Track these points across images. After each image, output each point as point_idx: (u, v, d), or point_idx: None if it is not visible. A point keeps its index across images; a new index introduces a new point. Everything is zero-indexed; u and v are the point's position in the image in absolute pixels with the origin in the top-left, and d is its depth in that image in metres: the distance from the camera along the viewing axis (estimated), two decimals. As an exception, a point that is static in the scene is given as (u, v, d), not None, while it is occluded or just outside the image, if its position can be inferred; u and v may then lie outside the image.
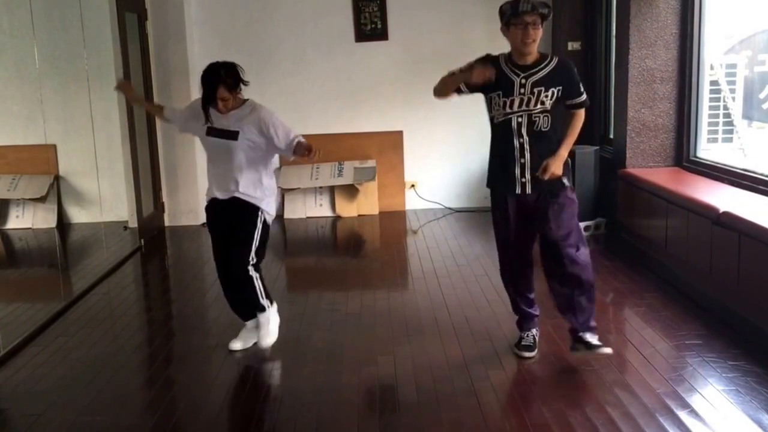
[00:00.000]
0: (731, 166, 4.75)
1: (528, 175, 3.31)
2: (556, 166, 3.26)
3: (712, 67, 5.29)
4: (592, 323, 3.46)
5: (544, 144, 3.29)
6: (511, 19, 3.20)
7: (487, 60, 3.29)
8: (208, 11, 6.90)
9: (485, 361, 3.54)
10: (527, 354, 3.54)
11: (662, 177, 5.07)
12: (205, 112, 3.55)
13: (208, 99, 3.50)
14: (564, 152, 3.29)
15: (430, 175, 7.21)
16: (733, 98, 5.29)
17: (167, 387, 3.49)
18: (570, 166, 3.42)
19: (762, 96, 5.11)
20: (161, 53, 6.56)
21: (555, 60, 3.31)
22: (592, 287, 3.49)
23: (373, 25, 6.95)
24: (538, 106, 3.25)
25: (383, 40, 6.96)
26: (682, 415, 2.93)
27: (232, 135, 3.57)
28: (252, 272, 3.66)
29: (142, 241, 6.08)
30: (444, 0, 6.90)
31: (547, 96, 3.25)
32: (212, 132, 3.61)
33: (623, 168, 5.48)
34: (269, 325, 3.73)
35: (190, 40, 6.63)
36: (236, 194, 3.62)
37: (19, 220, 6.29)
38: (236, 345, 3.79)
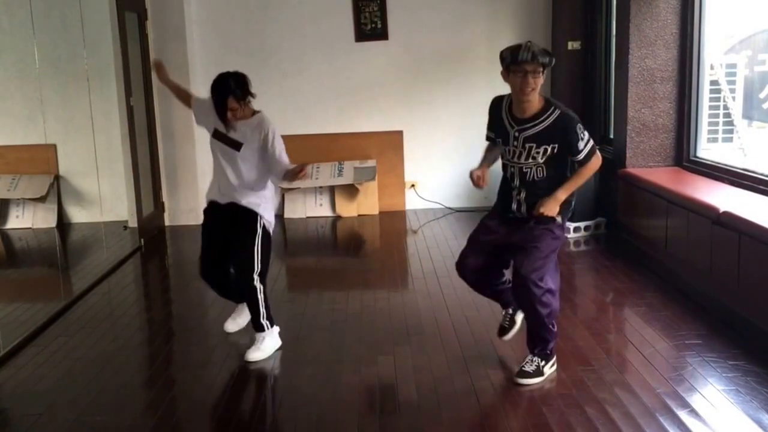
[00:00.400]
0: (731, 165, 4.75)
1: (524, 210, 3.26)
2: (549, 208, 3.15)
3: (712, 67, 5.29)
4: (536, 351, 3.34)
5: (538, 192, 3.21)
6: (510, 66, 3.08)
7: (494, 106, 3.30)
8: (208, 11, 6.90)
9: (485, 361, 3.54)
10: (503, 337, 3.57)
11: (662, 177, 5.07)
12: (221, 117, 3.58)
13: (219, 110, 3.55)
14: (561, 195, 3.16)
15: (430, 175, 7.20)
16: (733, 98, 5.29)
17: (167, 387, 3.49)
18: (571, 206, 3.32)
19: (762, 96, 5.12)
20: (161, 53, 6.54)
21: (555, 114, 3.12)
22: (545, 326, 3.30)
23: (373, 25, 6.95)
24: (530, 160, 3.17)
25: (383, 40, 6.96)
26: (683, 414, 2.93)
27: (236, 145, 3.64)
28: (257, 283, 3.65)
29: (142, 240, 6.08)
30: (444, 0, 6.89)
31: (538, 153, 3.14)
32: (218, 136, 3.68)
33: (623, 168, 5.48)
34: (263, 343, 3.68)
35: (190, 40, 6.63)
36: (235, 200, 3.68)
37: (19, 220, 6.29)
38: (230, 327, 3.97)
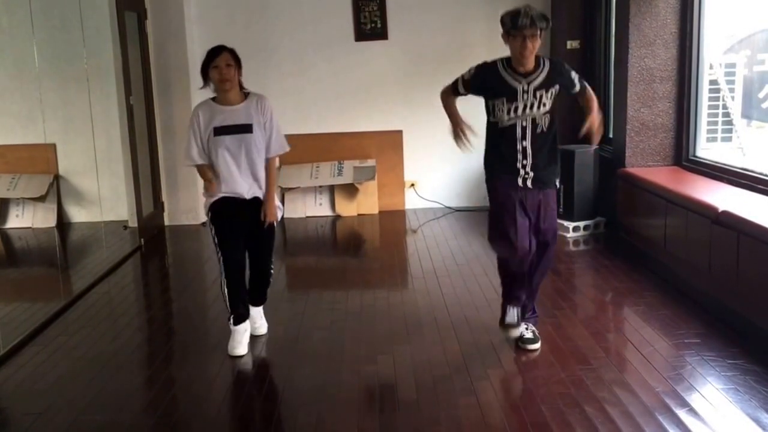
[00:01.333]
0: (730, 165, 4.76)
1: (530, 173, 3.48)
2: (600, 122, 3.56)
3: (711, 67, 5.30)
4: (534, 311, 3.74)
5: (545, 144, 3.49)
6: (510, 30, 3.35)
7: (486, 69, 3.50)
8: (207, 11, 6.90)
9: (484, 360, 3.55)
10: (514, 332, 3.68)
11: (661, 176, 5.08)
12: (206, 72, 3.53)
13: (207, 67, 3.50)
14: (597, 111, 3.56)
15: (429, 175, 7.21)
16: (733, 97, 5.30)
17: (167, 386, 3.50)
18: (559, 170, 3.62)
19: (761, 95, 5.12)
20: (161, 53, 6.56)
21: (547, 63, 3.48)
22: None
23: (372, 25, 6.96)
24: (542, 108, 3.43)
25: (383, 39, 6.97)
26: (681, 413, 2.93)
27: (246, 128, 3.56)
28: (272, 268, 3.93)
29: (142, 240, 6.09)
30: (444, 0, 6.89)
31: (548, 97, 3.44)
32: (223, 129, 3.54)
33: (622, 167, 5.49)
34: (263, 317, 3.98)
35: (190, 40, 6.63)
36: (258, 193, 3.65)
37: (18, 220, 6.29)
38: (241, 350, 3.70)
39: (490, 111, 3.54)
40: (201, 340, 4.04)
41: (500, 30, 3.43)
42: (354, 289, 4.78)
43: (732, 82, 5.30)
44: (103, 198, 6.27)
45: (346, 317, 4.23)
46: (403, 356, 3.62)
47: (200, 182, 3.67)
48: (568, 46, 6.70)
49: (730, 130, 5.36)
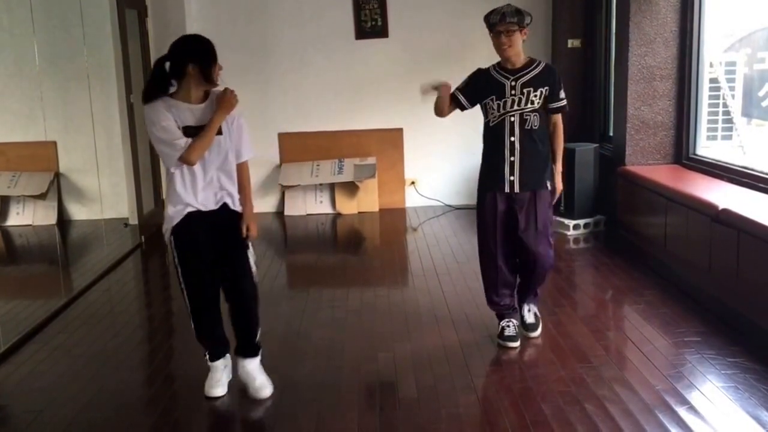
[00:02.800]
0: (730, 163, 4.76)
1: (517, 174, 3.51)
2: (560, 184, 3.63)
3: (711, 65, 5.29)
4: (532, 298, 3.79)
5: (533, 143, 3.52)
6: (490, 29, 3.49)
7: (479, 73, 3.60)
8: (208, 8, 6.90)
9: (485, 358, 3.56)
10: (513, 344, 3.66)
11: (662, 174, 5.08)
12: (209, 73, 3.00)
13: (207, 62, 3.00)
14: (560, 166, 3.63)
15: (430, 173, 7.21)
16: (733, 96, 5.30)
17: (167, 384, 3.50)
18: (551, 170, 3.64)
19: (761, 94, 5.12)
20: (162, 50, 6.52)
21: (542, 65, 3.53)
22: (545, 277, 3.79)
23: (373, 23, 6.95)
24: (529, 105, 3.47)
25: (383, 37, 6.96)
26: (681, 411, 2.94)
27: (218, 130, 3.05)
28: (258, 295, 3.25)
29: (143, 237, 6.09)
30: (444, -3, 6.90)
31: (536, 96, 3.48)
32: (191, 132, 3.00)
33: (623, 165, 5.49)
34: (263, 373, 3.25)
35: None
36: (226, 200, 3.11)
37: (19, 217, 6.29)
38: (219, 391, 3.23)
39: (484, 113, 3.61)
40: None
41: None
42: (354, 287, 4.78)
43: (732, 80, 5.30)
44: (104, 195, 6.27)
45: (346, 315, 4.24)
46: (404, 354, 3.62)
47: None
48: (569, 45, 6.70)
49: (730, 129, 5.36)
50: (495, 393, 3.21)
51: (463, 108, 3.65)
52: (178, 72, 3.01)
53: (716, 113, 5.35)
